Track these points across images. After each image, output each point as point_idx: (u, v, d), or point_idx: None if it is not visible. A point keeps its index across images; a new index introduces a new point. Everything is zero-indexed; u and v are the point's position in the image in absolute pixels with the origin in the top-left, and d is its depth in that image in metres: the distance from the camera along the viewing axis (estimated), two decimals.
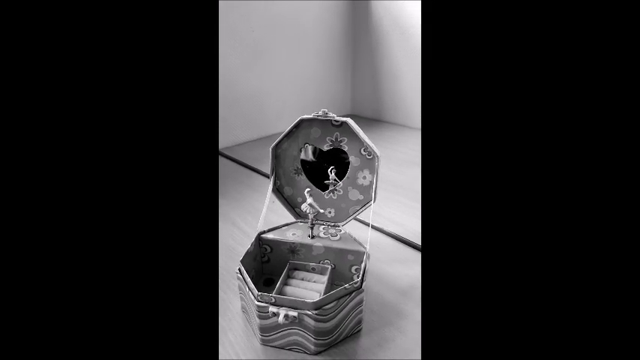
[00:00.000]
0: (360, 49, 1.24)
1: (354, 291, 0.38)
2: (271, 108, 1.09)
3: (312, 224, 0.48)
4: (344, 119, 0.46)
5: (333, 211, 0.50)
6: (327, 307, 0.36)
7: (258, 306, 0.37)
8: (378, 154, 0.45)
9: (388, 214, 0.65)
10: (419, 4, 1.02)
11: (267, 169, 0.83)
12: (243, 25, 0.96)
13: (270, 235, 0.48)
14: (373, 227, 0.61)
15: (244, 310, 0.43)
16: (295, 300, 0.36)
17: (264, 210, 0.48)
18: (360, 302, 0.40)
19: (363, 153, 0.47)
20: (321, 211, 0.48)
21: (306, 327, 0.37)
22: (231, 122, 1.01)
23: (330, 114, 0.46)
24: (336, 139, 0.47)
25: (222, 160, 0.95)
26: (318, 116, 0.46)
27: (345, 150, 0.47)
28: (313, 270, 0.47)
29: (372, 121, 1.26)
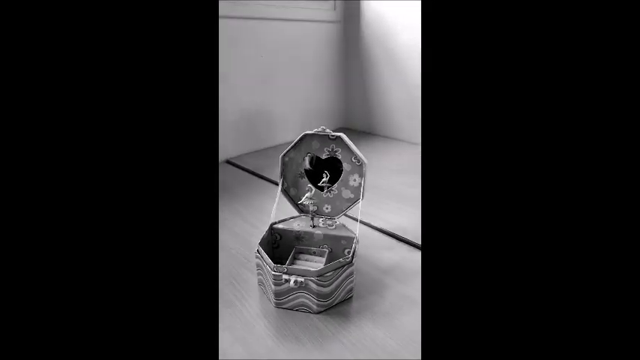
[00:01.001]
0: (352, 71, 1.38)
1: (346, 264, 0.50)
2: (276, 122, 1.22)
3: (313, 217, 0.61)
4: (338, 134, 0.59)
5: (329, 207, 0.62)
6: (326, 274, 0.48)
7: (274, 275, 0.49)
8: (365, 161, 0.58)
9: (375, 212, 0.78)
10: (404, 33, 1.17)
11: (271, 176, 0.95)
12: (253, 52, 1.09)
13: (280, 226, 0.60)
14: (362, 222, 0.73)
15: (260, 283, 0.55)
16: (302, 269, 0.48)
17: (275, 205, 0.60)
18: (351, 274, 0.52)
19: (354, 160, 0.59)
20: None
21: (310, 290, 0.49)
22: (240, 134, 1.13)
23: (328, 130, 0.59)
24: (332, 149, 0.60)
25: (232, 168, 1.07)
26: (318, 132, 0.59)
27: (340, 158, 0.60)
28: (314, 253, 0.59)
29: (364, 133, 1.40)
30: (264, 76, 1.15)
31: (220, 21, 0.98)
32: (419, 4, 1.10)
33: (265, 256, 0.51)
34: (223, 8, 0.97)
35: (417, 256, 0.64)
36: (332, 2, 1.25)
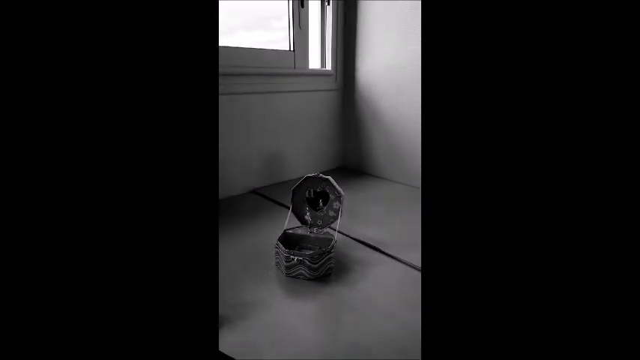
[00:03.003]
0: (347, 125, 1.81)
1: (326, 252, 0.88)
2: (289, 162, 1.64)
3: (310, 226, 0.99)
4: (327, 177, 0.98)
5: (320, 221, 1.01)
6: (315, 257, 0.86)
7: (286, 256, 0.87)
8: (343, 194, 0.97)
9: (354, 228, 1.15)
10: (385, 97, 1.60)
11: (283, 201, 1.34)
12: (270, 113, 1.53)
13: (289, 231, 0.99)
14: (342, 233, 1.11)
15: (277, 263, 0.93)
16: (302, 253, 0.86)
17: (287, 220, 0.99)
18: (330, 259, 0.89)
19: (336, 193, 0.98)
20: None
21: (306, 266, 0.86)
22: (262, 171, 1.55)
23: (321, 175, 0.98)
24: (323, 186, 0.99)
25: (256, 197, 1.47)
26: (315, 175, 0.98)
27: (328, 192, 0.99)
28: (310, 248, 0.97)
29: (355, 171, 1.80)
30: (280, 128, 1.57)
31: (243, 96, 1.42)
32: (397, 77, 1.54)
33: (281, 245, 0.89)
34: (245, 85, 1.42)
35: (376, 255, 1.01)
36: (333, 76, 1.71)
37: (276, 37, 1.54)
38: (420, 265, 0.93)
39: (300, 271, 0.87)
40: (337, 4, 1.62)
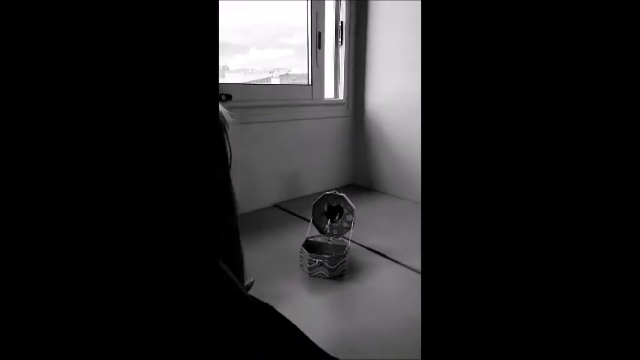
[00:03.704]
0: (357, 147, 2.03)
1: (341, 256, 1.09)
2: (306, 180, 1.86)
3: (327, 235, 1.20)
4: (342, 194, 1.19)
5: (336, 231, 1.21)
6: (332, 259, 1.07)
7: (309, 259, 1.08)
8: (355, 208, 1.18)
9: (363, 237, 1.36)
10: (389, 123, 1.82)
11: (303, 214, 1.55)
12: (287, 135, 1.76)
13: (310, 239, 1.20)
14: (353, 241, 1.31)
15: (301, 265, 1.13)
16: (322, 256, 1.07)
17: (308, 230, 1.20)
18: (344, 262, 1.10)
19: (349, 207, 1.19)
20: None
21: (325, 267, 1.07)
22: (283, 187, 1.77)
23: (336, 192, 1.20)
24: (339, 202, 1.21)
25: (279, 210, 1.68)
26: (331, 193, 1.20)
27: (342, 206, 1.20)
28: (327, 253, 1.18)
29: (364, 188, 2.01)
30: (299, 150, 1.80)
31: (270, 124, 1.65)
32: (401, 106, 1.76)
33: (305, 250, 1.10)
34: (271, 115, 1.65)
35: (382, 260, 1.21)
36: (345, 105, 1.94)
37: (285, 55, 1.77)
38: (420, 268, 1.12)
39: (320, 271, 1.08)
40: (349, 44, 1.86)
